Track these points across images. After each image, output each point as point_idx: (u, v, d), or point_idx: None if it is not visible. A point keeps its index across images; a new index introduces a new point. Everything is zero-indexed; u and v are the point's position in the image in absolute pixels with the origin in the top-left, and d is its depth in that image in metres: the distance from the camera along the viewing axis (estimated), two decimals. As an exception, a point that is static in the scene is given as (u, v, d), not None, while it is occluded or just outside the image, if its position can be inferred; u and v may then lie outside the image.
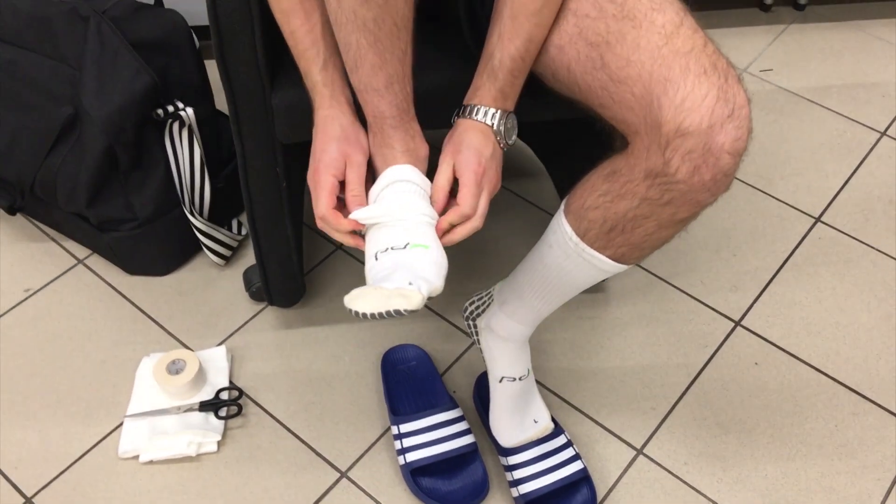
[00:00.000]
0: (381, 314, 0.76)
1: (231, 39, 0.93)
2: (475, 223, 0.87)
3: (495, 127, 0.88)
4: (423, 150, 0.89)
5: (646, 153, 0.78)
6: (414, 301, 0.76)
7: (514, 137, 0.92)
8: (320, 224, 0.88)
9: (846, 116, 1.74)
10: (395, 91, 0.83)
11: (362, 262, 1.41)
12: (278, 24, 0.89)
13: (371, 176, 0.90)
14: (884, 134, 1.71)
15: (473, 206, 0.86)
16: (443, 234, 0.87)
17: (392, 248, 0.83)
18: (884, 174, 1.62)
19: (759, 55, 1.89)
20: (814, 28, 1.98)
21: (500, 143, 0.90)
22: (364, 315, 0.76)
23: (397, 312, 0.76)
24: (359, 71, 0.82)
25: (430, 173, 0.89)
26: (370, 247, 0.86)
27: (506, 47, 0.86)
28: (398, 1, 0.78)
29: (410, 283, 0.78)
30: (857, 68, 1.86)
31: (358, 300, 0.77)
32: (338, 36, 0.82)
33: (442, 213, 0.87)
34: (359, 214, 0.85)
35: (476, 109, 0.88)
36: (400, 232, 0.84)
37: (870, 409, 1.25)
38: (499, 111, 0.89)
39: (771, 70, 1.85)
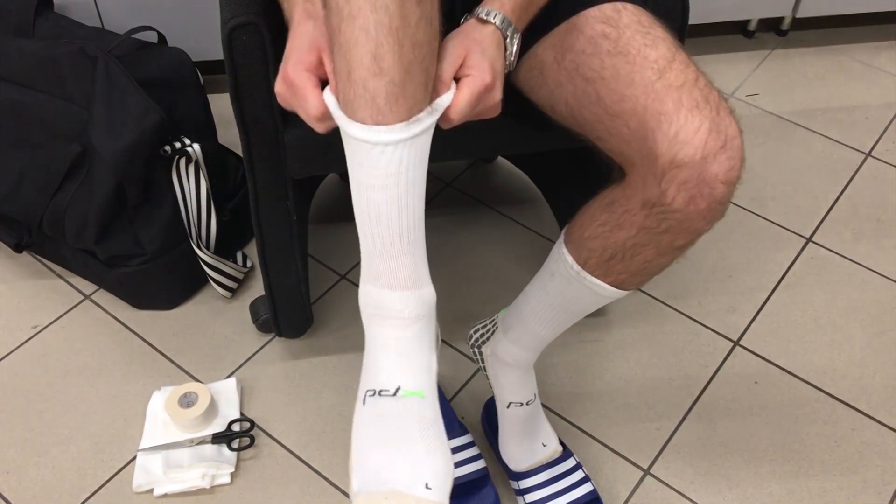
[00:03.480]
0: None
1: (246, 80, 0.95)
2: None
3: (508, 41, 0.82)
4: None
5: (643, 184, 0.81)
6: None
7: (515, 62, 0.85)
8: (317, 125, 0.77)
9: (831, 139, 1.79)
10: None
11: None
12: None
13: None
14: (868, 155, 1.75)
15: (465, 115, 0.77)
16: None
17: (381, 394, 0.74)
18: (870, 194, 1.67)
19: (745, 80, 1.94)
20: (796, 53, 2.03)
21: (506, 62, 0.83)
22: None
23: None
24: None
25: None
26: (361, 383, 0.77)
27: None
28: None
29: (428, 487, 0.70)
30: (839, 91, 1.92)
31: None
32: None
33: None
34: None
35: (495, 14, 0.81)
36: (391, 371, 0.75)
37: (868, 425, 1.29)
38: (512, 25, 0.82)
39: (757, 94, 1.90)
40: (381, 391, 0.74)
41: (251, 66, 0.95)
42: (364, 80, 0.68)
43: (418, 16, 0.68)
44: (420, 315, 0.76)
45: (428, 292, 0.77)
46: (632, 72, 0.82)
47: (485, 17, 0.81)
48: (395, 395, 0.74)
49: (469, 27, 0.81)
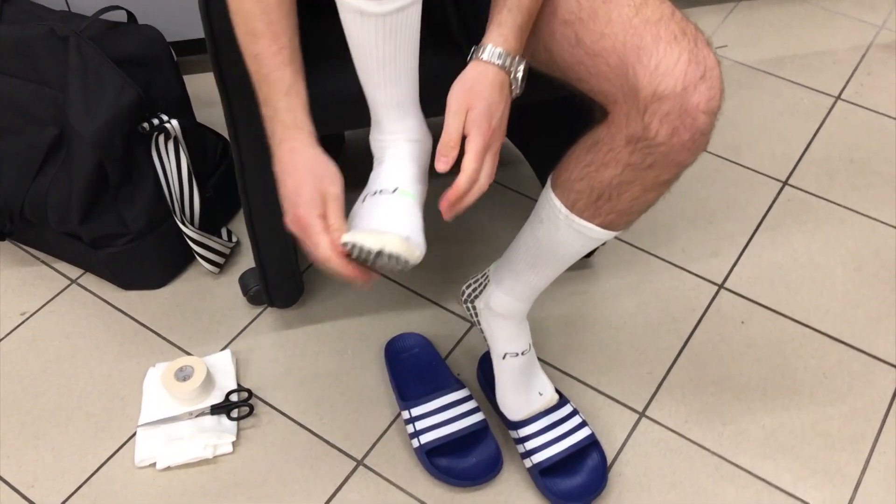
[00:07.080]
0: (382, 253, 0.80)
1: (225, 45, 0.95)
2: (483, 187, 0.85)
3: (513, 74, 0.86)
4: None
5: (625, 120, 0.82)
6: (414, 254, 0.81)
7: (524, 86, 0.88)
8: (324, 265, 0.84)
9: (801, 84, 1.82)
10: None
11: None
12: (241, 47, 0.88)
13: None
14: (838, 98, 1.78)
15: (479, 170, 0.84)
16: (452, 203, 0.84)
17: (381, 192, 0.86)
18: (841, 135, 1.70)
19: (714, 32, 1.96)
20: (762, 3, 2.05)
21: (512, 93, 0.87)
22: (363, 251, 0.80)
23: (396, 259, 0.80)
24: None
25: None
26: (363, 193, 0.89)
27: None
28: None
29: (408, 238, 0.82)
30: (806, 38, 1.94)
31: (358, 236, 0.81)
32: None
33: (452, 167, 0.84)
34: (348, 238, 0.82)
35: (495, 52, 0.84)
36: (391, 178, 0.88)
37: (854, 356, 1.32)
38: (517, 57, 0.85)
39: (726, 46, 1.92)
40: (380, 191, 0.87)
41: (230, 30, 0.94)
42: None
43: None
44: (410, 139, 0.89)
45: (418, 128, 0.90)
46: (609, 10, 0.83)
47: (486, 59, 0.84)
48: (393, 192, 0.86)
49: (472, 71, 0.84)
